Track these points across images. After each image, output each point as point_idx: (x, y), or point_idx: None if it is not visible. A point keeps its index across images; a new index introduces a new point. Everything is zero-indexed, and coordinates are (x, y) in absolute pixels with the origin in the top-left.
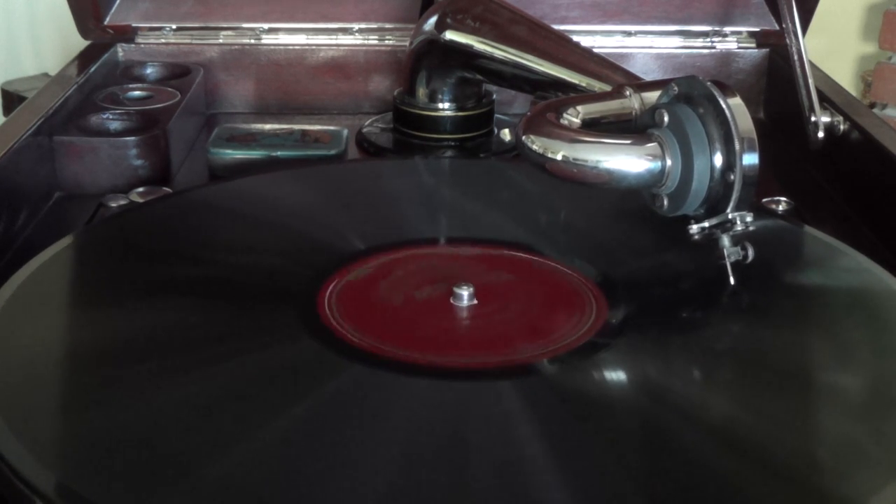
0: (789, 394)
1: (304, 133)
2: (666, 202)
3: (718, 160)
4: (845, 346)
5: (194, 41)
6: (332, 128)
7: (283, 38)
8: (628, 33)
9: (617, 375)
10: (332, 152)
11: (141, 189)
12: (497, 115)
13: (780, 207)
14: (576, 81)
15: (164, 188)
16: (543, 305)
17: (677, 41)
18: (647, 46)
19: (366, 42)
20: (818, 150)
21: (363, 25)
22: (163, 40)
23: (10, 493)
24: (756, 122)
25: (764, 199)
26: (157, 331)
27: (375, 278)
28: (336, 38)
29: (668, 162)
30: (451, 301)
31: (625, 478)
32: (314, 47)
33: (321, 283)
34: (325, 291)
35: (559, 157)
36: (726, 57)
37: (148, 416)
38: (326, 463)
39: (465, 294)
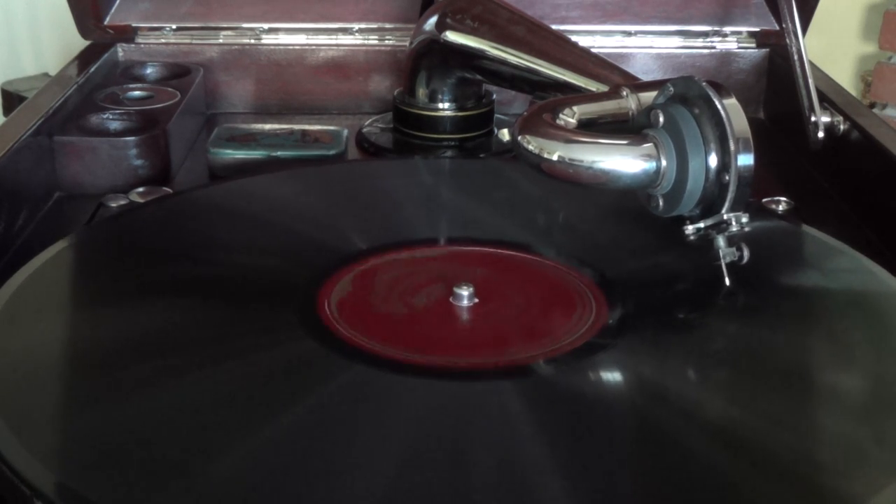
0: (789, 394)
1: (304, 133)
2: (661, 202)
3: (713, 161)
4: (846, 346)
5: (194, 41)
6: (332, 128)
7: (283, 38)
8: (628, 33)
9: (616, 376)
10: (332, 152)
11: (141, 189)
12: (497, 115)
13: (780, 207)
14: (574, 81)
15: (164, 188)
16: (543, 305)
17: (677, 41)
18: (647, 46)
19: (366, 42)
20: (818, 150)
21: (363, 25)
22: (163, 40)
23: (10, 493)
24: (756, 122)
25: (764, 199)
26: (156, 331)
27: (375, 278)
28: (336, 38)
29: (664, 162)
30: (452, 301)
31: (624, 478)
32: (314, 47)
33: (321, 283)
34: (325, 291)
35: (555, 158)
36: (726, 57)
37: (148, 416)
38: (326, 463)
39: (465, 294)
